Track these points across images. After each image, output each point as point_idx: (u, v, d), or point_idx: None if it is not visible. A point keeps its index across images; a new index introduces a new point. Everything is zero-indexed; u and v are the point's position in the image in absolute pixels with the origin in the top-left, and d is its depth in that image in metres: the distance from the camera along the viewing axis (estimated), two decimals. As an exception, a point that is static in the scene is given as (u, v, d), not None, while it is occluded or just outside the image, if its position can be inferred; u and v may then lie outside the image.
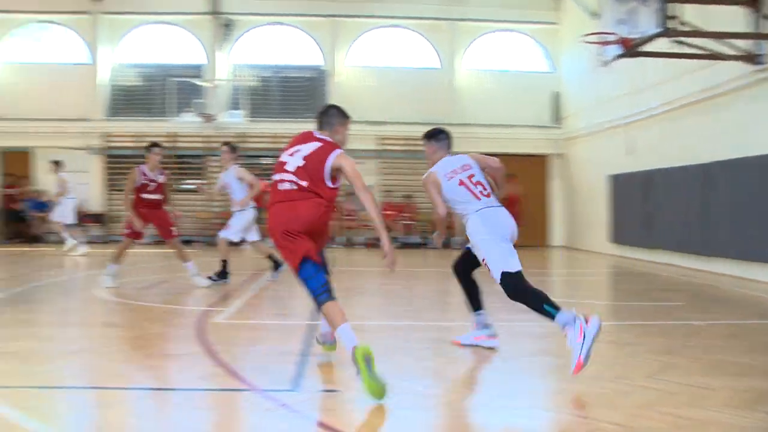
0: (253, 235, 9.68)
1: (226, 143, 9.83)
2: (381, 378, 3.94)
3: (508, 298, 4.85)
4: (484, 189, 5.18)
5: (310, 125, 4.81)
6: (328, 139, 4.58)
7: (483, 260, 5.00)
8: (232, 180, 9.39)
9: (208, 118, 18.05)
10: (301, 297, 6.70)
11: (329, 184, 4.40)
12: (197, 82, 18.59)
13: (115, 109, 19.35)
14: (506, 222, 5.11)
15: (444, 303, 8.58)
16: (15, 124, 18.73)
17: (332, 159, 4.41)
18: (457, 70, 19.43)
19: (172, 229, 9.12)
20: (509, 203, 6.90)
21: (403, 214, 18.36)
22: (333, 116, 4.69)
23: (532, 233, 16.81)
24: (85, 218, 18.16)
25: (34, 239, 18.33)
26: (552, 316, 4.63)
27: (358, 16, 19.29)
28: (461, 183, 5.17)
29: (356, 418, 3.82)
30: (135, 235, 8.91)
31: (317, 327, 5.49)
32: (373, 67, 19.43)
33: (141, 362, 5.19)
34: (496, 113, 18.93)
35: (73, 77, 19.11)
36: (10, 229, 18.82)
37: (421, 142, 5.62)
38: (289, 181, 4.41)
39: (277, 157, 4.64)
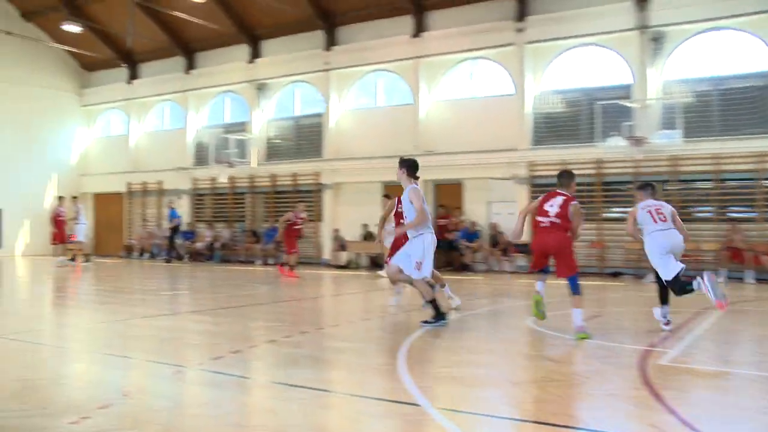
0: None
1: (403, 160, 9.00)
2: None
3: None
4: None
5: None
6: (567, 193, 8.29)
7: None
8: (405, 201, 8.78)
9: (638, 141, 17.59)
10: (744, 343, 6.01)
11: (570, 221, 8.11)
12: (625, 103, 18.28)
13: (539, 138, 20.22)
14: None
15: None
16: (447, 158, 20.90)
17: (571, 206, 8.15)
18: None
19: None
20: None
21: None
22: (566, 178, 8.47)
23: None
24: (513, 248, 19.26)
25: (464, 268, 20.01)
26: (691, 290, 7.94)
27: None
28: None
29: None
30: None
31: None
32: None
33: (583, 400, 5.19)
34: None
35: (500, 109, 20.58)
36: (441, 258, 20.91)
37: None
38: (549, 221, 8.10)
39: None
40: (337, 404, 4.98)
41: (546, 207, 8.14)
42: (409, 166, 8.74)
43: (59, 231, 21.14)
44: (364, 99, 23.75)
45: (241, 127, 25.83)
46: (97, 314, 10.28)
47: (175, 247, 24.92)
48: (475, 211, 20.98)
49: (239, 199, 26.00)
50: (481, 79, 21.50)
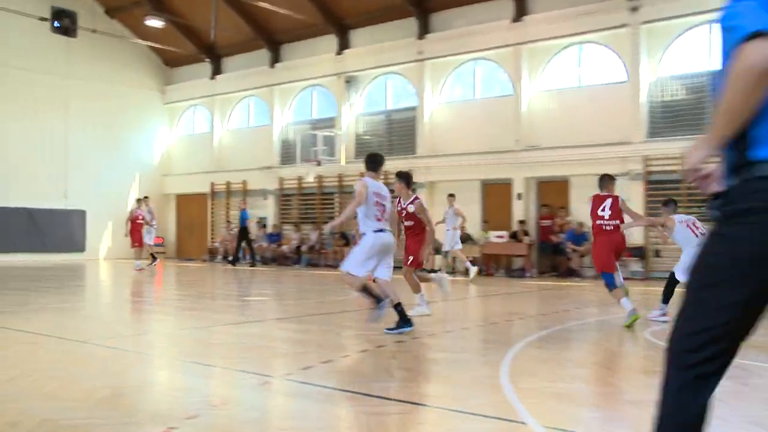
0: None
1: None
2: None
3: None
4: None
5: None
6: (613, 194, 9.78)
7: None
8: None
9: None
10: None
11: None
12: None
13: (656, 129, 19.65)
14: None
15: None
16: (551, 153, 20.62)
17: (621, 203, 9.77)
18: None
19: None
20: None
21: None
22: (607, 181, 9.93)
23: None
24: (626, 252, 18.78)
25: (571, 273, 19.66)
26: None
27: None
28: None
29: None
30: None
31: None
32: None
33: (716, 427, 4.96)
34: None
35: (611, 98, 20.17)
36: (544, 262, 20.62)
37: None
38: (611, 224, 9.69)
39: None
40: (434, 420, 4.96)
41: (599, 212, 9.65)
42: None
43: (138, 233, 21.64)
44: (460, 90, 23.71)
45: (329, 122, 26.28)
46: (180, 320, 10.65)
47: (244, 250, 25.35)
48: (583, 211, 20.49)
49: (327, 200, 26.43)
50: (589, 65, 21.08)
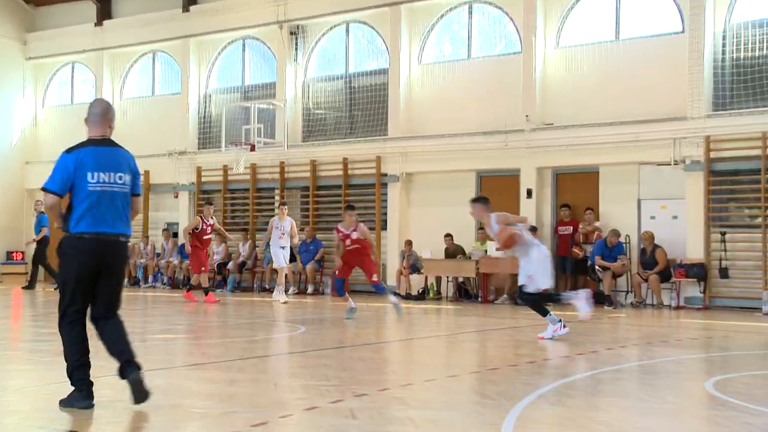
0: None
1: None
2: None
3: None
4: None
5: None
6: None
7: None
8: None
9: None
10: None
11: None
12: None
13: (723, 100, 19.87)
14: None
15: None
16: (575, 133, 21.03)
17: None
18: None
19: None
20: None
21: None
22: None
23: None
24: (679, 271, 18.95)
25: (600, 299, 19.65)
26: None
27: None
28: None
29: None
30: None
31: None
32: None
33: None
34: None
35: (660, 55, 20.52)
36: (564, 283, 20.62)
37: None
38: None
39: None
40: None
41: None
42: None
43: None
44: (449, 47, 23.71)
45: (267, 91, 26.27)
46: (40, 371, 10.39)
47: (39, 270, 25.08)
48: (618, 213, 20.67)
49: (264, 198, 26.32)
50: (630, 11, 21.18)
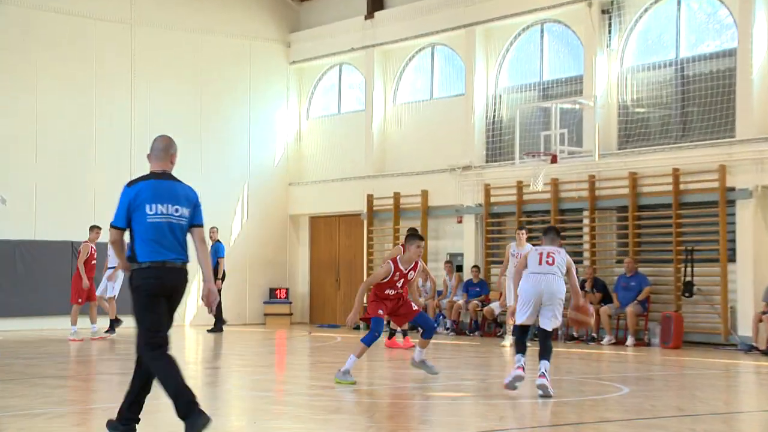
0: None
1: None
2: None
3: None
4: None
5: None
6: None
7: None
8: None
9: None
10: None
11: None
12: None
13: None
14: None
15: None
16: None
17: None
18: None
19: None
20: None
21: None
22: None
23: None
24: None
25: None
26: None
27: None
28: None
29: None
30: None
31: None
32: None
33: None
34: None
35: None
36: None
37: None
38: None
39: None
40: None
41: None
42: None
43: (80, 281, 22.39)
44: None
45: (571, 87, 25.11)
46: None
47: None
48: None
49: (569, 221, 25.28)
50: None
